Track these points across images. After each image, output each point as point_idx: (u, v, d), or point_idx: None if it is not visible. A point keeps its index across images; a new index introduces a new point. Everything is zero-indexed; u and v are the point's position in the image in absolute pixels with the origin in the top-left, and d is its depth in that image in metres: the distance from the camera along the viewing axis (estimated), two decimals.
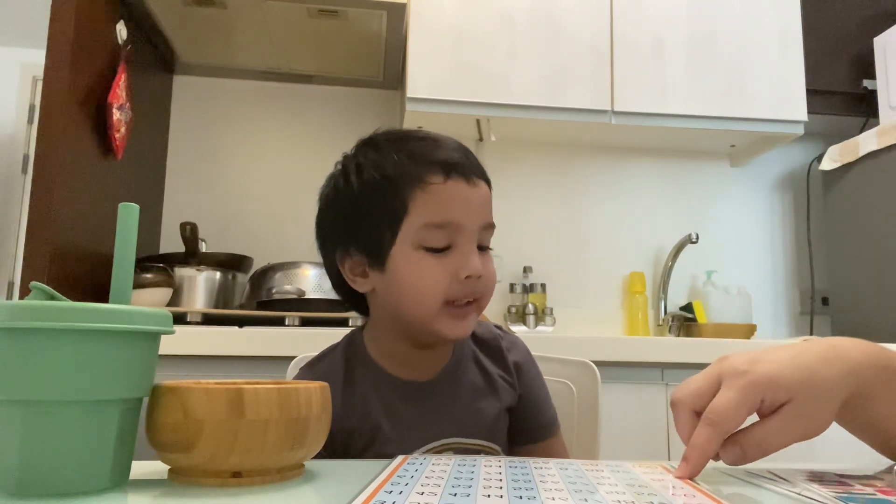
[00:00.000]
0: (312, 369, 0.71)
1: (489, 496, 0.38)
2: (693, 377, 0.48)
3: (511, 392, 0.73)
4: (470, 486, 0.40)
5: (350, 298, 0.73)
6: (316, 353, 0.74)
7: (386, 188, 0.64)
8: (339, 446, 0.66)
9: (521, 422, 0.74)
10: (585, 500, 0.37)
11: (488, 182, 0.69)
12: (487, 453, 0.69)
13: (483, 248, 0.67)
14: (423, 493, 0.38)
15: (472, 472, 0.44)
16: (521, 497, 0.38)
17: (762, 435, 0.44)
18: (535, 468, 0.47)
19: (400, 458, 0.51)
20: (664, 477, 0.44)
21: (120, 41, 1.62)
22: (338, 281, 0.71)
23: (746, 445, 0.44)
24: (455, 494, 0.38)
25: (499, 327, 0.79)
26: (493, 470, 0.46)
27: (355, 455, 0.66)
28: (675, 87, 1.79)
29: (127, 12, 1.67)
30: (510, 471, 0.45)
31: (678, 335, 1.93)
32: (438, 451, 0.67)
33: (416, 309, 0.64)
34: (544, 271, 1.99)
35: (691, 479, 0.44)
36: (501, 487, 0.40)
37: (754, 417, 0.47)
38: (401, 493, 0.38)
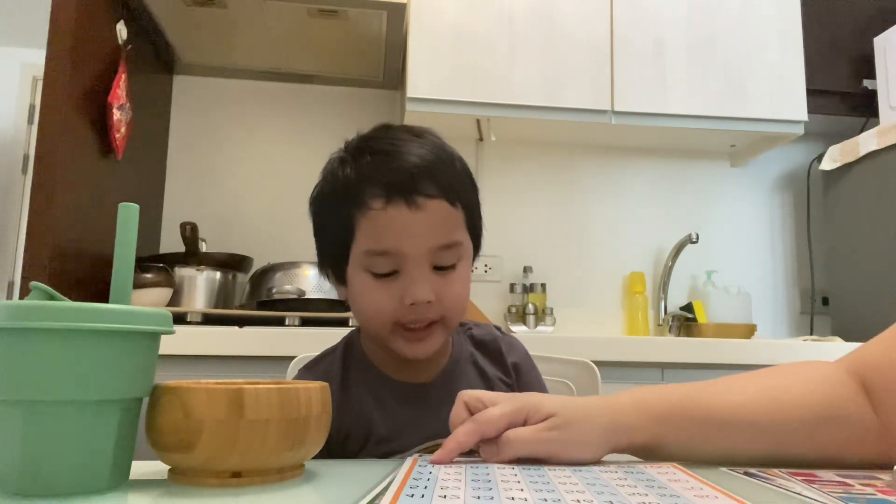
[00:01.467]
0: (311, 371, 0.72)
1: (513, 499, 0.37)
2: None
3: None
4: (490, 489, 0.40)
5: None
6: (315, 354, 0.75)
7: (336, 209, 0.64)
8: (335, 447, 0.66)
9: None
10: (610, 501, 0.37)
11: (452, 197, 0.63)
12: None
13: (445, 268, 0.63)
14: (445, 497, 0.38)
15: (488, 475, 0.44)
16: (545, 500, 0.37)
17: (514, 436, 0.50)
18: (550, 470, 0.47)
19: (410, 460, 0.50)
20: (680, 477, 0.44)
21: (120, 41, 1.62)
22: None
23: (500, 443, 0.50)
24: (479, 497, 0.38)
25: (498, 328, 0.79)
26: (507, 472, 0.46)
27: (351, 456, 0.66)
28: (675, 87, 1.79)
29: (127, 12, 1.66)
30: (524, 473, 0.45)
31: (678, 335, 1.93)
32: (431, 449, 0.67)
33: (369, 327, 0.66)
34: (544, 271, 1.99)
35: (441, 463, 0.49)
36: (522, 490, 0.40)
37: None
38: (423, 496, 0.38)
